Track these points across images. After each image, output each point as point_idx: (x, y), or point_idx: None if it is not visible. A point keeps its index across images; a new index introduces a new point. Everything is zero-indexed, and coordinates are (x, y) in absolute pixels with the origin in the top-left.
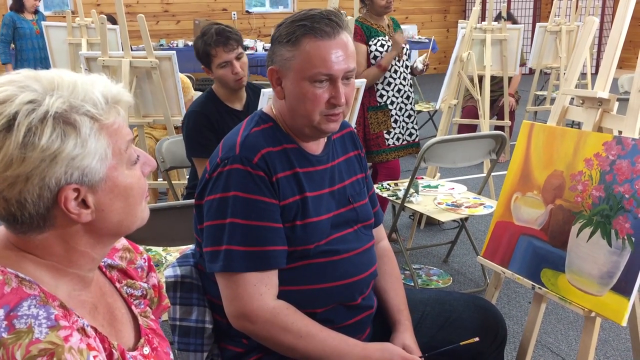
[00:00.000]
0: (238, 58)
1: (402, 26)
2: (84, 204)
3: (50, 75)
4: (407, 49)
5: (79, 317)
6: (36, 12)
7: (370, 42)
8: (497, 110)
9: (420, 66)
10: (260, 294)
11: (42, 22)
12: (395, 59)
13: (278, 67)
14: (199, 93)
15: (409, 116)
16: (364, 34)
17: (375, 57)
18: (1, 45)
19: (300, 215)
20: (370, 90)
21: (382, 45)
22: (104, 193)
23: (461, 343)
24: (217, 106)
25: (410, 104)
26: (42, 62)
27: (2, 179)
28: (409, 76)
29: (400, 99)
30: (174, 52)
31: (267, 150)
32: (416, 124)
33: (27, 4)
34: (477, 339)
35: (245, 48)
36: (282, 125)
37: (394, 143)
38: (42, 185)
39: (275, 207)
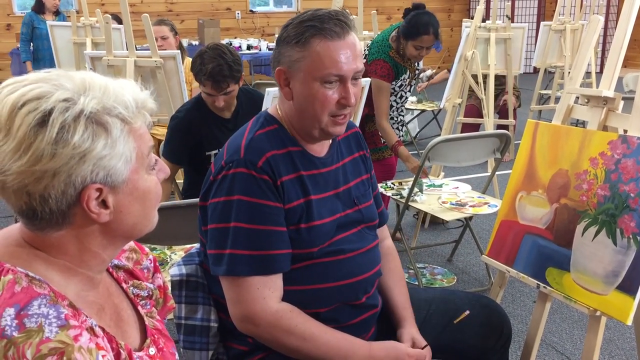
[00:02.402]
0: (225, 94)
1: None
2: (103, 204)
3: (81, 76)
4: (417, 65)
5: (87, 316)
6: (58, 13)
7: (394, 83)
8: (498, 108)
9: (424, 79)
10: (263, 297)
11: (48, 22)
12: (404, 79)
13: (286, 68)
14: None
15: (401, 122)
16: (392, 73)
17: (390, 93)
18: (22, 44)
19: (305, 218)
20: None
21: (401, 86)
22: (124, 195)
23: (454, 321)
24: (202, 114)
25: (404, 108)
26: None
27: (29, 173)
28: (413, 80)
29: (399, 103)
30: (178, 51)
31: (272, 153)
32: (403, 126)
33: (47, 4)
34: (467, 312)
35: (240, 77)
36: (288, 127)
37: None
38: (68, 182)
39: (280, 210)
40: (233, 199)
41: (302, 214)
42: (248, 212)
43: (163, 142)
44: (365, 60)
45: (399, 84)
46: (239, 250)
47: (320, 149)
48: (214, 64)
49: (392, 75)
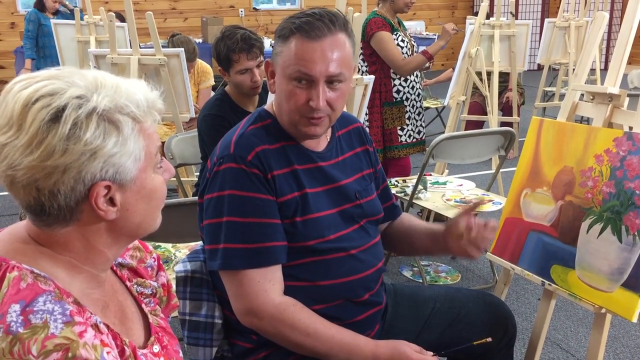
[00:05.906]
0: (258, 66)
1: (410, 22)
2: (111, 201)
3: (92, 74)
4: (416, 46)
5: (92, 313)
6: (56, 12)
7: (394, 36)
8: (501, 105)
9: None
10: (265, 290)
11: (51, 20)
12: (399, 38)
13: (272, 61)
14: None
15: (419, 113)
16: (387, 24)
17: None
18: (28, 41)
19: (300, 212)
20: (386, 85)
21: (403, 41)
22: (131, 193)
23: (474, 342)
24: (231, 107)
25: (420, 101)
26: None
27: (40, 169)
28: (420, 73)
29: (413, 96)
30: (182, 49)
31: (262, 147)
32: (424, 121)
33: (47, 5)
34: (489, 339)
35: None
36: (281, 121)
37: (405, 140)
38: (78, 179)
39: (272, 203)
40: (224, 194)
41: (297, 207)
42: (240, 206)
43: (206, 143)
44: (362, 41)
45: (400, 38)
46: (232, 244)
47: (317, 143)
48: (241, 33)
49: (387, 26)
